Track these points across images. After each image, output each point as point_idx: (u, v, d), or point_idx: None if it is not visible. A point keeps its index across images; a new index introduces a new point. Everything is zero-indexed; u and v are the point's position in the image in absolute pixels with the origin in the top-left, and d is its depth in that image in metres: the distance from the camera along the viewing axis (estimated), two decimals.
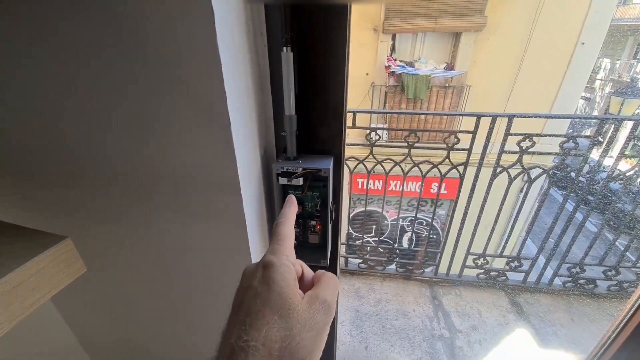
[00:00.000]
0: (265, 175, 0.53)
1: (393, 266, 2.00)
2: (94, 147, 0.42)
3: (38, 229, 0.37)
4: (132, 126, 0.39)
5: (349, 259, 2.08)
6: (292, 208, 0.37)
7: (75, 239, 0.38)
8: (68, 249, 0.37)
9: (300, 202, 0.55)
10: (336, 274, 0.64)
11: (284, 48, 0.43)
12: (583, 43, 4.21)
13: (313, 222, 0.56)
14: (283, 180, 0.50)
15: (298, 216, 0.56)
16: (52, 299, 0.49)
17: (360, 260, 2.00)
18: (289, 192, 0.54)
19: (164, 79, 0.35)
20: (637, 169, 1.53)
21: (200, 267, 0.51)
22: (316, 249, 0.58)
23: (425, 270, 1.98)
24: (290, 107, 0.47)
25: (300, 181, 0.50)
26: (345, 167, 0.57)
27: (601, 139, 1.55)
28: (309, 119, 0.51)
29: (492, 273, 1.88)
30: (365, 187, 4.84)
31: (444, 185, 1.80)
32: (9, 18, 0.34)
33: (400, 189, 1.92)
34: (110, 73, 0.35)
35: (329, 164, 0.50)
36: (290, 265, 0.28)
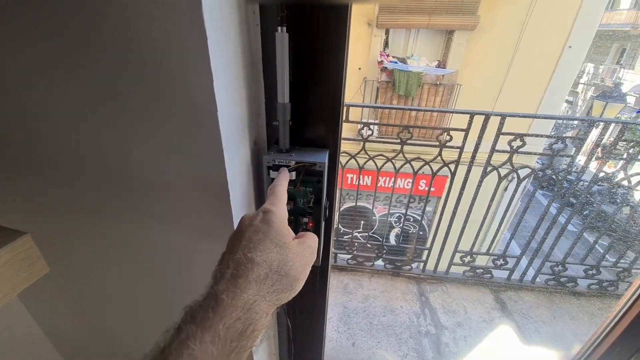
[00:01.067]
0: (255, 168, 0.49)
1: (381, 262, 2.00)
2: (66, 138, 0.37)
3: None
4: (104, 112, 0.34)
5: (338, 254, 2.07)
6: (285, 176, 0.42)
7: (38, 235, 0.33)
8: (28, 246, 0.33)
9: (292, 198, 0.51)
10: (328, 272, 0.62)
11: (279, 28, 0.39)
12: (570, 46, 4.30)
13: (305, 219, 0.53)
14: (274, 174, 0.47)
15: (290, 212, 0.53)
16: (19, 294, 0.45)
17: (349, 256, 1.99)
18: None
19: (141, 57, 0.30)
20: (619, 171, 1.57)
21: (176, 264, 0.48)
22: None
23: (413, 266, 1.99)
24: (283, 94, 0.43)
25: (293, 175, 0.47)
26: (341, 146, 0.54)
27: (584, 141, 1.58)
28: (304, 109, 0.47)
29: (477, 270, 1.91)
30: (354, 183, 4.84)
31: (432, 182, 1.79)
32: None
33: (392, 186, 1.91)
34: (81, 61, 0.31)
35: (324, 158, 0.47)
36: (286, 214, 0.36)
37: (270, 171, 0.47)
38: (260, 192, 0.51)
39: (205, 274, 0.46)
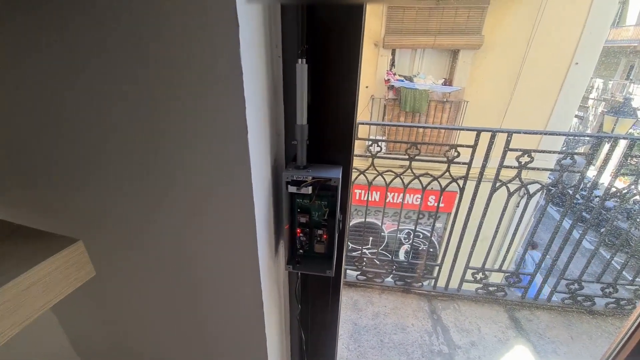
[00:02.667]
0: (274, 183, 0.53)
1: (391, 279, 1.99)
2: (110, 150, 0.42)
3: (50, 231, 0.37)
4: (148, 131, 0.39)
5: (347, 270, 2.06)
6: None
7: (84, 241, 0.38)
8: (79, 252, 0.37)
9: (307, 211, 0.55)
10: (340, 284, 0.64)
11: (299, 60, 0.44)
12: (577, 63, 4.34)
13: (320, 232, 0.56)
14: (292, 189, 0.50)
15: (305, 225, 0.56)
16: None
17: (359, 272, 1.98)
18: (297, 200, 0.54)
19: (185, 86, 0.35)
20: (632, 187, 1.56)
21: (206, 271, 0.51)
22: (322, 258, 0.58)
23: (424, 283, 1.97)
24: (302, 116, 0.48)
25: (309, 190, 0.51)
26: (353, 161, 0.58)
27: (596, 158, 1.58)
28: (320, 130, 0.52)
29: (490, 288, 1.87)
30: (363, 198, 4.85)
31: (441, 198, 1.81)
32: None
33: (401, 201, 1.93)
34: (133, 80, 0.36)
35: (338, 174, 0.50)
36: None
37: (289, 186, 0.51)
38: (278, 205, 0.55)
39: (229, 287, 0.49)
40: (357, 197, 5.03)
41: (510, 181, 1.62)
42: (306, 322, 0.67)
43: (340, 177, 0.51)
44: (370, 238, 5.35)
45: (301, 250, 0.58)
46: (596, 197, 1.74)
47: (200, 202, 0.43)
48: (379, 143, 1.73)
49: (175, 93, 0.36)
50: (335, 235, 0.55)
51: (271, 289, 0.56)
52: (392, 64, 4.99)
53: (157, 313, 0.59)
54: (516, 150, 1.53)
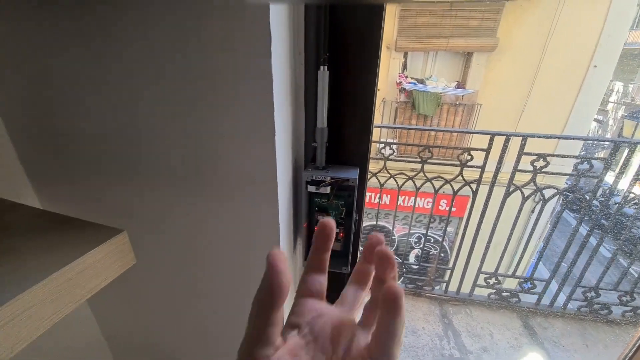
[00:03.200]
0: (294, 183, 0.56)
1: (401, 282, 1.99)
2: (151, 152, 0.46)
3: (97, 222, 0.41)
4: (187, 133, 0.43)
5: None
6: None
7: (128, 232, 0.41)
8: (124, 241, 0.41)
9: (325, 210, 0.58)
10: None
11: (321, 67, 0.47)
12: (595, 66, 4.23)
13: (337, 230, 0.58)
14: (311, 188, 0.53)
15: None
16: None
17: None
18: (315, 199, 0.57)
19: (224, 93, 0.39)
20: None
21: (230, 265, 0.54)
22: (338, 256, 0.60)
23: (435, 287, 1.96)
24: (322, 120, 0.51)
25: (328, 190, 0.53)
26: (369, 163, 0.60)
27: (615, 163, 1.55)
28: (338, 132, 0.55)
29: (503, 293, 1.85)
30: (374, 201, 4.84)
31: (453, 202, 1.80)
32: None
33: (412, 205, 1.93)
34: (178, 85, 0.40)
35: (355, 175, 0.53)
36: None
37: (308, 185, 0.54)
38: (297, 203, 0.58)
39: (252, 281, 0.52)
40: (368, 200, 5.02)
41: (524, 185, 1.61)
42: None
43: (358, 177, 0.53)
44: None
45: None
46: (615, 203, 1.70)
47: (230, 200, 0.46)
48: (391, 146, 1.75)
49: (212, 100, 0.39)
50: (351, 233, 0.58)
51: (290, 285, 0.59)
52: (404, 67, 4.98)
53: (181, 304, 0.63)
54: (531, 154, 1.52)
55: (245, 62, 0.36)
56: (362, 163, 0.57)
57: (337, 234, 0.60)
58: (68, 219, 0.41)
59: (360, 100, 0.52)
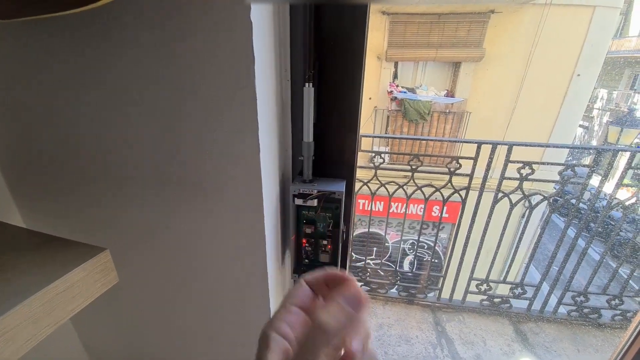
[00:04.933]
0: (281, 196, 0.56)
1: (395, 290, 1.99)
2: (133, 170, 0.46)
3: (73, 239, 0.40)
4: (170, 150, 0.43)
5: None
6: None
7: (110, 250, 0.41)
8: (106, 260, 0.40)
9: (313, 223, 0.58)
10: None
11: (306, 84, 0.48)
12: (579, 75, 4.38)
13: (324, 242, 0.59)
14: (299, 201, 0.54)
15: (310, 235, 0.59)
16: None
17: (362, 283, 1.98)
18: (303, 212, 0.57)
19: (208, 113, 0.39)
20: (636, 197, 1.56)
21: (217, 280, 0.54)
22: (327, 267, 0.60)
23: (428, 294, 1.96)
24: (308, 134, 0.51)
25: (315, 202, 0.54)
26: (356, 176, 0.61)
27: (600, 168, 1.59)
28: (325, 146, 0.56)
29: (495, 299, 1.86)
30: (366, 209, 4.85)
31: (445, 208, 1.82)
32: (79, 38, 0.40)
33: (404, 212, 1.95)
34: (163, 104, 0.40)
35: (342, 187, 0.54)
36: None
37: (295, 198, 0.54)
38: (285, 216, 0.58)
39: (238, 296, 0.52)
40: (360, 207, 5.04)
41: (512, 192, 1.64)
42: None
43: (344, 190, 0.54)
44: (374, 248, 5.33)
45: (307, 260, 0.61)
46: (601, 207, 1.74)
47: (215, 215, 0.47)
48: (382, 155, 1.77)
49: (196, 118, 0.40)
50: (339, 245, 0.58)
51: (278, 298, 0.59)
52: (395, 76, 5.07)
53: (167, 320, 0.62)
54: (517, 162, 1.55)
55: (229, 84, 0.37)
56: (348, 175, 0.58)
57: (325, 245, 0.61)
58: (50, 237, 0.41)
59: (346, 114, 0.54)
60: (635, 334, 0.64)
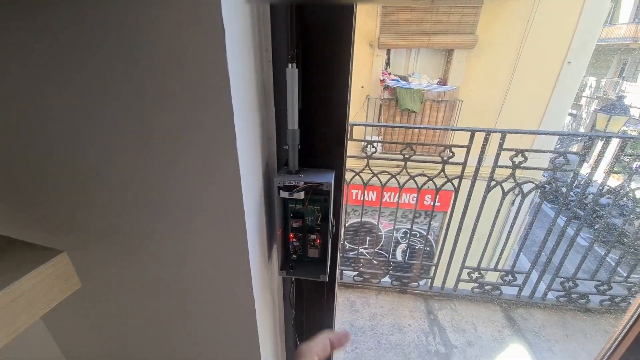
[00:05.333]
0: (266, 188, 0.52)
1: (388, 279, 1.99)
2: (94, 158, 0.41)
3: (33, 242, 0.36)
4: (133, 135, 0.38)
5: (344, 271, 2.06)
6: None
7: (70, 252, 0.37)
8: (64, 263, 0.36)
9: (300, 216, 0.55)
10: (335, 289, 0.63)
11: (289, 64, 0.44)
12: (569, 62, 4.38)
13: (313, 236, 0.55)
14: (284, 194, 0.50)
15: (298, 230, 0.56)
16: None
17: (356, 273, 1.98)
18: (290, 205, 0.54)
19: (172, 95, 0.35)
20: (627, 185, 1.57)
21: (195, 279, 0.50)
22: (316, 263, 0.57)
23: (420, 283, 1.97)
24: (293, 121, 0.47)
25: (302, 195, 0.50)
26: (346, 165, 0.57)
27: (589, 155, 1.59)
28: (312, 134, 0.51)
29: (486, 287, 1.88)
30: (359, 198, 4.85)
31: (437, 197, 1.81)
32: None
33: (397, 201, 1.93)
34: (116, 83, 0.35)
35: (330, 179, 0.50)
36: None
37: (281, 191, 0.50)
38: (271, 210, 0.54)
39: (220, 295, 0.48)
40: (353, 197, 5.03)
41: (504, 180, 1.63)
42: (301, 327, 0.66)
43: (333, 181, 0.50)
44: (367, 238, 5.37)
45: (295, 256, 0.57)
46: (590, 194, 1.75)
47: (190, 211, 0.42)
48: (375, 144, 1.73)
49: (162, 103, 0.35)
50: (328, 239, 0.55)
51: (264, 295, 0.55)
52: (387, 64, 5.00)
53: (146, 321, 0.58)
54: (510, 150, 1.54)
55: (197, 62, 0.32)
56: (338, 165, 0.54)
57: (314, 240, 0.58)
58: (2, 239, 0.37)
59: (334, 98, 0.49)
60: (629, 325, 0.63)
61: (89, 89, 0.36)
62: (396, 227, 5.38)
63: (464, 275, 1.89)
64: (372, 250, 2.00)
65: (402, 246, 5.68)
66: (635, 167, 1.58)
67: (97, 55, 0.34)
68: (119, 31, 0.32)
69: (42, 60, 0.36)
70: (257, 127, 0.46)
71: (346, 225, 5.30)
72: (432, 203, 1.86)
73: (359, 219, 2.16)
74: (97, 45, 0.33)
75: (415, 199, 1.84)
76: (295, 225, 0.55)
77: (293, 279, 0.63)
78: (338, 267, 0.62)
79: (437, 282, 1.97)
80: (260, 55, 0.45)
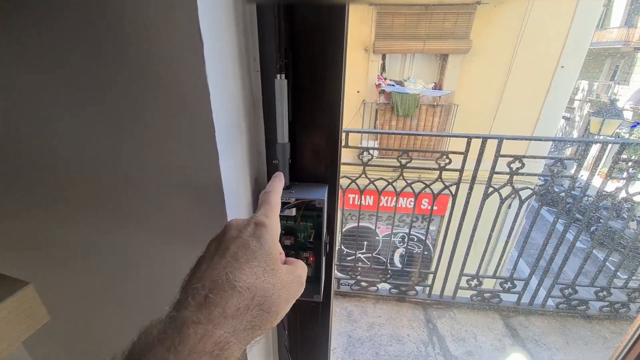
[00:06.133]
0: (254, 205, 0.50)
1: (386, 286, 1.96)
2: (67, 184, 0.38)
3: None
4: (104, 152, 0.36)
5: (341, 280, 2.03)
6: (279, 181, 0.38)
7: (37, 281, 0.34)
8: (30, 296, 0.33)
9: (292, 233, 0.52)
10: (330, 308, 0.60)
11: (278, 75, 0.41)
12: (562, 66, 4.42)
13: (306, 254, 0.53)
14: None
15: (290, 247, 0.53)
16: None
17: (353, 282, 1.94)
18: (281, 222, 0.51)
19: (149, 109, 0.32)
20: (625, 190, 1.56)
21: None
22: (308, 282, 0.54)
23: (419, 290, 1.94)
24: (283, 134, 0.45)
25: (294, 212, 0.48)
26: (339, 180, 0.55)
27: (583, 160, 1.59)
28: (303, 147, 0.49)
29: (485, 294, 1.86)
30: (356, 203, 4.83)
31: (434, 201, 1.79)
32: None
33: (394, 206, 1.90)
34: (98, 100, 0.33)
35: (323, 195, 0.47)
36: (279, 229, 0.31)
37: None
38: None
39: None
40: (350, 202, 5.01)
41: (502, 187, 1.62)
42: (295, 350, 0.63)
43: (326, 197, 0.48)
44: (365, 242, 5.33)
45: None
46: (589, 197, 1.74)
47: (169, 235, 0.39)
48: (371, 151, 1.71)
49: (136, 122, 0.32)
50: (322, 257, 0.52)
51: None
52: (383, 69, 5.01)
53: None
54: (507, 156, 1.52)
55: (175, 76, 0.30)
56: (331, 180, 0.52)
57: (306, 258, 0.55)
58: None
59: (327, 111, 0.47)
60: (635, 338, 0.61)
61: (54, 116, 0.34)
62: (394, 231, 5.35)
63: (463, 283, 1.86)
64: (369, 255, 1.97)
65: (400, 250, 5.65)
66: (632, 172, 1.58)
67: (67, 67, 0.31)
68: (88, 38, 0.30)
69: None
70: (244, 141, 0.43)
71: (343, 230, 5.27)
72: (429, 207, 1.83)
73: (356, 224, 2.13)
74: (66, 56, 0.31)
75: (412, 203, 1.82)
76: (287, 242, 0.52)
77: None
78: (333, 287, 0.59)
79: (436, 290, 1.94)
80: (247, 65, 0.43)
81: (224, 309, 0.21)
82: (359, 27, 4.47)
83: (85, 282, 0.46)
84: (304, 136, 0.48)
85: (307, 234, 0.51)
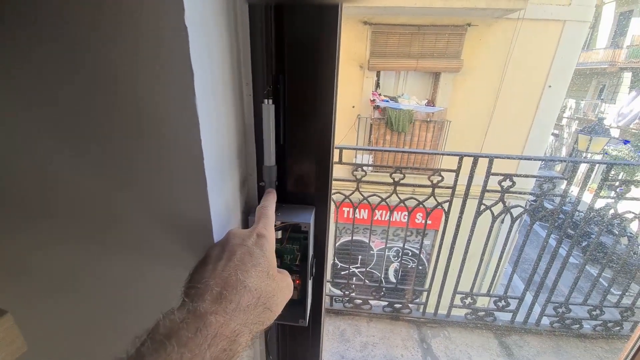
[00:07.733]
0: (244, 225, 0.49)
1: (379, 304, 1.92)
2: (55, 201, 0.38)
3: None
4: (90, 178, 0.35)
5: (334, 297, 1.99)
6: (273, 196, 0.42)
7: (15, 310, 0.33)
8: (7, 325, 0.32)
9: (278, 255, 0.51)
10: (320, 334, 0.59)
11: (265, 100, 0.42)
12: (550, 86, 4.57)
13: (292, 277, 0.52)
14: None
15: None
16: None
17: (347, 300, 1.91)
18: None
19: (145, 141, 0.32)
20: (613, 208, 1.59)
21: None
22: (294, 306, 0.53)
23: (413, 308, 1.92)
24: (270, 157, 0.45)
25: (279, 234, 0.47)
26: (331, 201, 0.54)
27: (572, 178, 1.62)
28: (293, 169, 0.49)
29: (479, 313, 1.84)
30: (350, 217, 4.81)
31: (428, 216, 1.79)
32: None
33: (388, 220, 1.90)
34: (87, 129, 0.33)
35: (309, 218, 0.47)
36: (274, 240, 0.36)
37: None
38: None
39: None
40: (344, 216, 4.99)
41: (493, 205, 1.63)
42: None
43: (312, 221, 0.48)
44: (359, 257, 5.28)
45: None
46: (579, 212, 1.76)
47: (156, 263, 0.39)
48: (364, 167, 1.73)
49: (134, 151, 0.33)
50: (308, 280, 0.52)
51: None
52: (377, 85, 5.12)
53: None
54: (498, 174, 1.55)
55: (166, 106, 0.30)
56: (321, 201, 0.52)
57: (293, 281, 0.54)
58: None
59: (318, 132, 0.47)
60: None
61: (35, 143, 0.34)
62: (388, 245, 5.32)
63: (457, 301, 1.84)
64: (363, 269, 1.94)
65: (395, 265, 5.60)
66: (620, 190, 1.61)
67: (52, 99, 0.32)
68: (76, 70, 0.30)
69: None
70: (235, 165, 0.43)
71: (337, 244, 5.22)
72: (423, 221, 1.83)
73: (350, 237, 2.12)
74: (54, 89, 0.31)
75: (406, 217, 1.82)
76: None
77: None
78: (324, 311, 0.58)
79: (430, 308, 1.92)
80: (239, 90, 0.43)
81: (238, 304, 0.25)
82: (355, 44, 4.59)
83: (65, 312, 0.44)
84: (295, 159, 0.48)
85: (293, 257, 0.51)
